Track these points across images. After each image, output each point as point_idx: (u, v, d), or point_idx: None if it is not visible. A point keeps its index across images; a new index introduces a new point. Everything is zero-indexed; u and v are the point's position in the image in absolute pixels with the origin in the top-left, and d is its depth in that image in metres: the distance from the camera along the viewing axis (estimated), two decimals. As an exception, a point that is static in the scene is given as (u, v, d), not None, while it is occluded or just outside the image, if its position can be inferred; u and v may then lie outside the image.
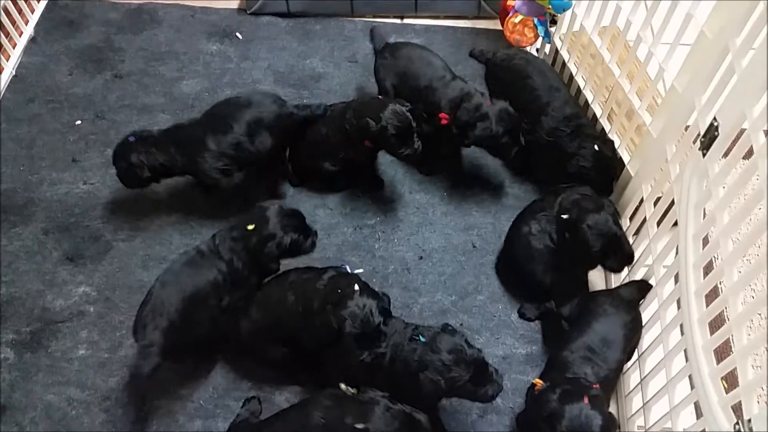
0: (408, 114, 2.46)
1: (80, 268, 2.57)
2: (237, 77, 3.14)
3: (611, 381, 2.16)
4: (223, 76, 3.14)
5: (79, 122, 2.95)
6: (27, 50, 3.18)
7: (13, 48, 3.13)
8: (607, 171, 2.59)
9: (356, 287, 2.06)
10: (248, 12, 3.35)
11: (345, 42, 3.31)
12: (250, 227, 2.20)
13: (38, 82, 3.07)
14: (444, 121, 2.60)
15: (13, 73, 3.09)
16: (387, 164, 2.88)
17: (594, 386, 1.94)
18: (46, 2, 3.36)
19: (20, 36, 3.17)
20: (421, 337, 2.08)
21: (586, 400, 1.86)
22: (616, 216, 2.38)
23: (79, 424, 2.26)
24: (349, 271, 2.25)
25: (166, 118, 2.97)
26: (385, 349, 2.10)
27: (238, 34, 3.30)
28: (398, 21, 3.41)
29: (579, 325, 2.22)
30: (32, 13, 3.28)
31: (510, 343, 2.46)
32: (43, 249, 2.61)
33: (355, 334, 2.03)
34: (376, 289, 2.51)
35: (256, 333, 2.26)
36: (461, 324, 2.49)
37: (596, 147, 2.55)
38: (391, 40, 3.28)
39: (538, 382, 2.03)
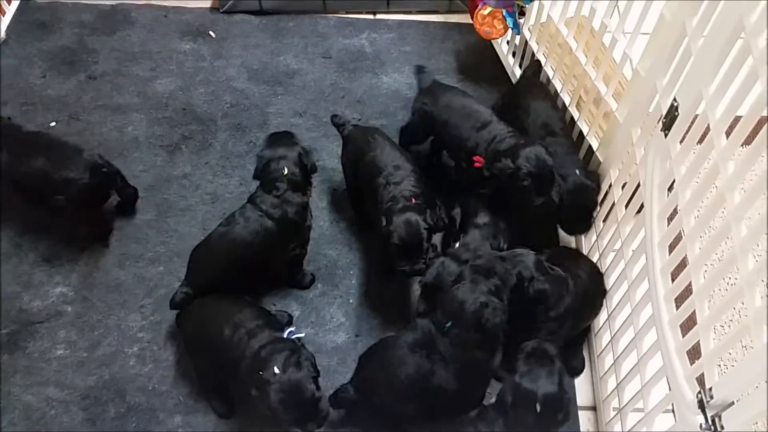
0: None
1: (57, 268, 2.57)
2: (211, 75, 3.15)
3: None
4: (197, 75, 3.15)
5: (53, 124, 2.95)
6: (-2, 54, 3.18)
7: (-15, 51, 3.13)
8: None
9: (275, 369, 1.91)
10: (221, 10, 3.37)
11: (318, 38, 3.33)
12: (285, 172, 2.29)
13: (11, 85, 3.06)
14: (477, 164, 2.46)
15: (-15, 77, 3.08)
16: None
17: None
18: (17, 4, 3.35)
19: (-8, 39, 3.17)
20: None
21: None
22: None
23: (59, 423, 2.26)
24: (284, 335, 2.10)
25: (140, 117, 2.98)
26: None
27: (211, 33, 3.32)
28: (371, 17, 3.44)
29: None
30: (3, 15, 3.27)
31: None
32: (19, 251, 2.61)
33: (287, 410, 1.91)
34: (353, 281, 2.57)
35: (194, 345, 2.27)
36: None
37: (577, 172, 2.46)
38: (364, 36, 3.35)
39: None
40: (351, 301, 2.55)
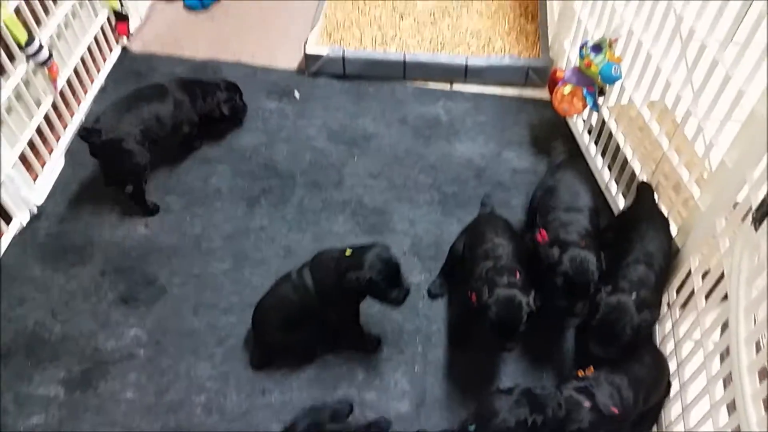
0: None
1: (133, 310, 2.65)
2: (293, 133, 3.27)
3: None
4: (280, 132, 3.27)
5: (140, 170, 3.09)
6: (96, 99, 3.36)
7: (85, 95, 3.32)
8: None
9: None
10: (307, 73, 3.52)
11: (396, 104, 3.43)
12: (348, 252, 2.30)
13: (105, 130, 3.23)
14: (539, 239, 2.47)
15: (83, 119, 3.26)
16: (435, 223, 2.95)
17: None
18: (118, 54, 3.57)
19: (92, 84, 3.37)
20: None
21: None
22: None
23: (123, 465, 2.29)
24: None
25: (225, 168, 3.11)
26: None
27: (296, 93, 3.45)
28: (448, 87, 3.54)
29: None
30: (104, 63, 3.49)
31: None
32: (99, 290, 2.70)
33: None
34: (419, 349, 2.55)
35: None
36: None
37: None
38: (440, 105, 3.43)
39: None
40: (416, 368, 2.53)
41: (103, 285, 2.71)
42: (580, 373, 2.20)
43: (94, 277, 2.73)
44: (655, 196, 2.67)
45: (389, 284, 2.26)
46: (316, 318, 2.42)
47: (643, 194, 2.69)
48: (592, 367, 2.20)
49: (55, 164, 3.06)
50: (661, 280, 2.43)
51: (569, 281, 2.32)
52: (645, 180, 2.73)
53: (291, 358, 2.52)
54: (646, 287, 2.32)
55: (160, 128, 2.86)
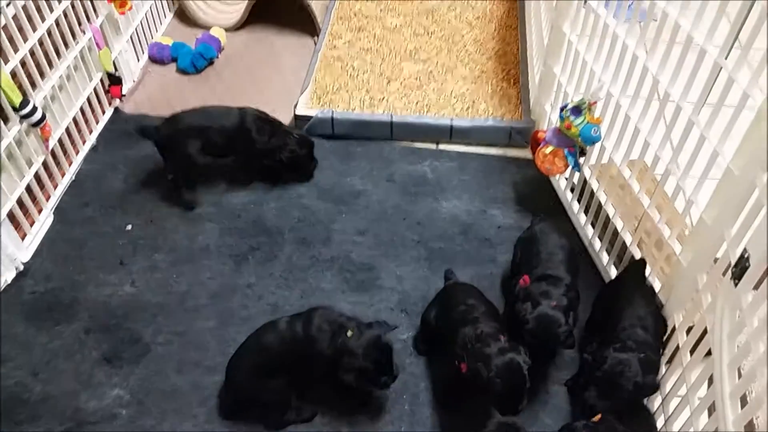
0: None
1: (116, 369, 2.60)
2: (282, 191, 3.32)
3: None
4: (270, 190, 3.32)
5: (129, 227, 3.11)
6: (87, 158, 3.41)
7: (77, 155, 3.37)
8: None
9: None
10: (296, 134, 3.60)
11: (384, 163, 3.50)
12: (350, 333, 2.28)
13: (95, 188, 3.26)
14: (522, 283, 2.53)
15: (73, 178, 3.30)
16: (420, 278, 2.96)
17: None
18: (110, 115, 3.65)
19: (84, 144, 3.43)
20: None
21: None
22: None
23: None
24: None
25: (213, 226, 3.13)
26: None
27: (286, 153, 3.51)
28: (433, 146, 3.62)
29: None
30: (97, 123, 3.55)
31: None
32: (83, 348, 2.66)
33: None
34: (406, 407, 2.53)
35: None
36: None
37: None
38: (427, 164, 3.51)
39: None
40: (403, 428, 2.49)
41: (87, 344, 2.68)
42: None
43: (78, 335, 2.70)
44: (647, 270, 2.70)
45: (381, 372, 2.29)
46: (296, 368, 2.38)
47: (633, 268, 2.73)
48: (600, 414, 2.20)
49: (43, 222, 3.07)
50: (659, 347, 2.44)
51: (534, 338, 2.37)
52: (634, 246, 2.77)
53: (264, 411, 2.46)
54: (651, 350, 2.34)
55: (215, 144, 3.11)
